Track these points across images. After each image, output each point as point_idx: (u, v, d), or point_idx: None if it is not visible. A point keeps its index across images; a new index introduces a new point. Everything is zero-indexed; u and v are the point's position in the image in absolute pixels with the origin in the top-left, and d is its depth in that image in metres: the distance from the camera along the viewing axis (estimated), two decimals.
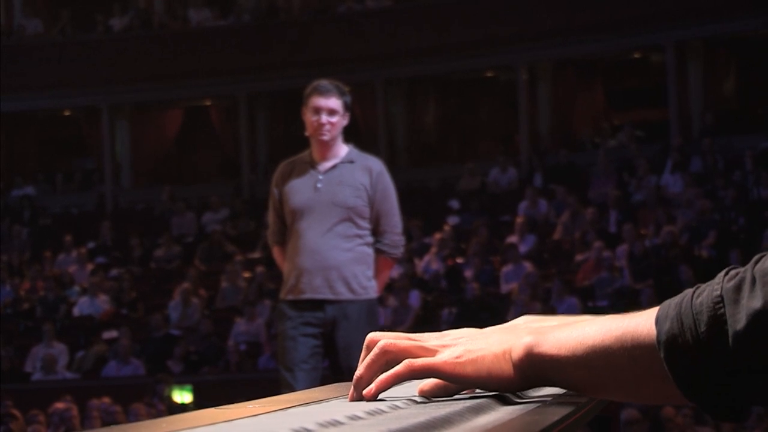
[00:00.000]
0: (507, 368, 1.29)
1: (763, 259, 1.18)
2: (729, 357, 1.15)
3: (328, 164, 6.00)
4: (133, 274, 18.35)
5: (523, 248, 16.29)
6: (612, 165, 18.67)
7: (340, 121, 5.95)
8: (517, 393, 1.34)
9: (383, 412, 1.17)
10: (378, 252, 6.01)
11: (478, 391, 1.34)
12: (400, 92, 22.38)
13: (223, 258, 18.13)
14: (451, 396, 1.33)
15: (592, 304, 14.53)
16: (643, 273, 14.91)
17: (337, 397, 1.39)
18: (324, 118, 5.89)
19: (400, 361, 1.30)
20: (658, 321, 1.20)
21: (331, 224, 5.90)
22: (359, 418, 1.09)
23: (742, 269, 1.19)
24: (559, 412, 1.18)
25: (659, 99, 20.76)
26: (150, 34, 22.91)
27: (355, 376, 1.33)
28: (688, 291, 1.22)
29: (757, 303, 1.14)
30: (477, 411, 1.17)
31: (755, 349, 1.14)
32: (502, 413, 1.20)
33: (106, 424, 11.38)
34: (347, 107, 5.99)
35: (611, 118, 21.97)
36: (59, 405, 11.99)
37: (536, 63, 21.14)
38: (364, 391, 1.31)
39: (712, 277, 1.22)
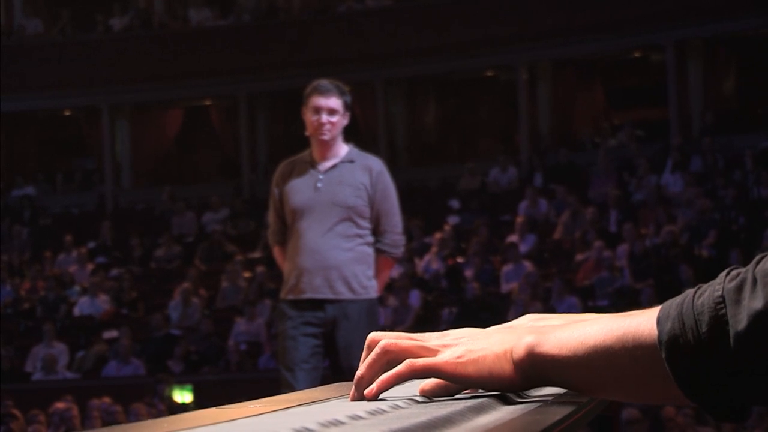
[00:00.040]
0: (508, 368, 1.29)
1: (764, 260, 1.18)
2: (730, 357, 1.15)
3: (328, 164, 6.00)
4: (134, 274, 18.35)
5: (523, 248, 16.29)
6: (612, 164, 18.67)
7: (341, 120, 5.94)
8: (519, 393, 1.34)
9: (384, 411, 1.17)
10: (378, 251, 6.00)
11: (479, 390, 1.34)
12: (400, 92, 22.38)
13: (223, 258, 18.13)
14: (453, 396, 1.33)
15: (592, 303, 14.53)
16: (643, 272, 14.92)
17: (337, 397, 1.39)
18: (324, 117, 5.89)
19: (402, 361, 1.30)
20: (660, 321, 1.20)
21: (332, 224, 5.90)
22: (360, 417, 1.09)
23: (743, 270, 1.19)
24: (560, 412, 1.18)
25: (659, 98, 20.76)
26: (150, 34, 22.91)
27: (356, 376, 1.33)
28: (690, 291, 1.22)
29: (758, 304, 1.14)
30: (478, 411, 1.17)
31: (756, 349, 1.14)
32: (503, 413, 1.20)
33: (106, 424, 11.38)
34: (347, 107, 5.98)
35: (611, 118, 21.97)
36: (60, 405, 11.99)
37: (536, 63, 21.15)
38: (366, 391, 1.31)
39: (712, 276, 1.23)
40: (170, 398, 13.80)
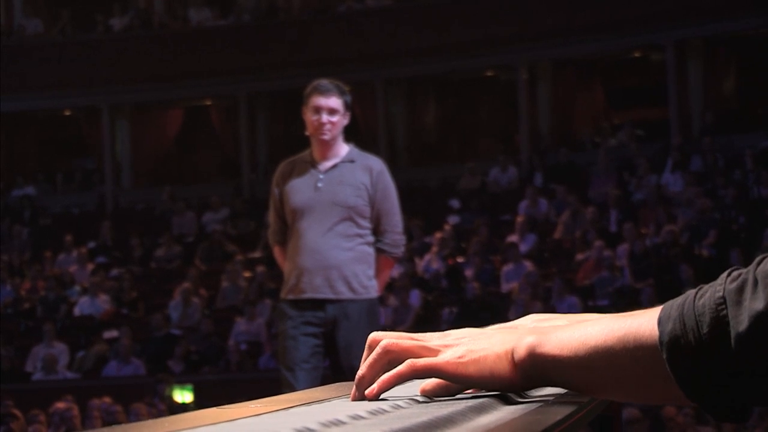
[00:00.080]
0: (509, 368, 1.29)
1: (765, 261, 1.18)
2: (731, 358, 1.15)
3: (328, 164, 6.00)
4: (134, 273, 18.35)
5: (523, 247, 16.29)
6: (612, 164, 18.68)
7: (341, 120, 5.94)
8: (519, 393, 1.34)
9: (385, 411, 1.17)
10: (379, 251, 6.00)
11: (481, 390, 1.34)
12: (400, 92, 22.38)
13: (223, 258, 18.14)
14: (454, 396, 1.33)
15: (592, 303, 14.53)
16: (643, 272, 14.92)
17: (338, 397, 1.39)
18: (324, 117, 5.89)
19: (403, 361, 1.30)
20: (661, 322, 1.21)
21: (332, 224, 5.90)
22: (361, 417, 1.09)
23: (744, 270, 1.19)
24: (561, 412, 1.18)
25: (659, 98, 20.76)
26: (150, 34, 22.91)
27: (357, 376, 1.33)
28: (691, 292, 1.22)
29: (759, 305, 1.14)
30: (479, 411, 1.17)
31: (757, 350, 1.14)
32: (504, 413, 1.20)
33: (106, 424, 11.39)
34: (347, 106, 5.98)
35: (611, 118, 21.97)
36: (60, 405, 11.99)
37: (536, 63, 21.14)
38: (367, 391, 1.31)
39: (712, 276, 1.23)
40: (170, 398, 13.80)
